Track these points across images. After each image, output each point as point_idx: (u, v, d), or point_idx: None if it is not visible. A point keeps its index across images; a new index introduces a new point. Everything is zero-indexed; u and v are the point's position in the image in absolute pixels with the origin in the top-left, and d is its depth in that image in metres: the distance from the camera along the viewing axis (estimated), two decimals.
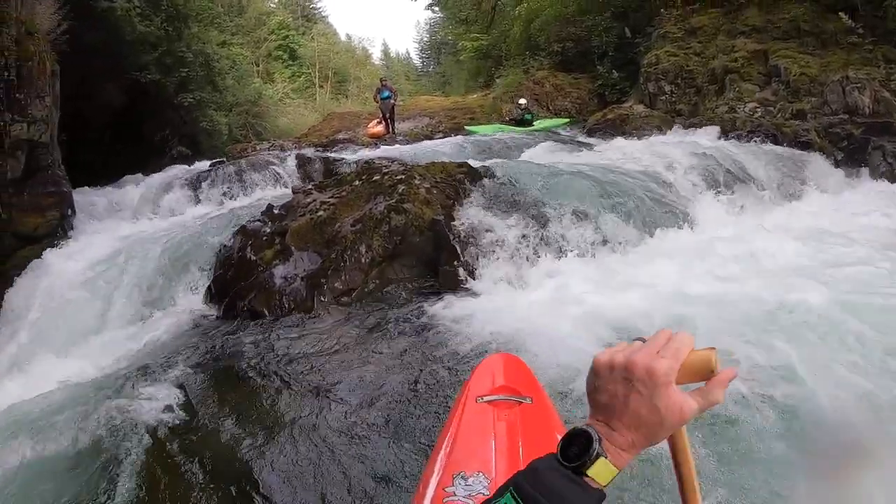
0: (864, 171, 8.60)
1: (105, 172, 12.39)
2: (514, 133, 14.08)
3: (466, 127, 16.46)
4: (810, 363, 3.27)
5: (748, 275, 4.79)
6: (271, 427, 3.37)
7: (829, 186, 8.11)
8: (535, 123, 15.27)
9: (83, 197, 9.58)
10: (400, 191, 5.75)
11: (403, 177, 6.05)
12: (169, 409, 3.67)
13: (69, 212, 8.46)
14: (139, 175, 11.69)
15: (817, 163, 8.62)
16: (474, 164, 7.02)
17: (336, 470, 2.96)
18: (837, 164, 8.78)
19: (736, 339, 3.63)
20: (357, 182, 6.27)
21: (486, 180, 6.48)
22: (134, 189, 10.50)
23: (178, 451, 3.22)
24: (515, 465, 1.73)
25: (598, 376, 0.78)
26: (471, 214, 5.72)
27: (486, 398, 2.16)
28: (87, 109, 12.62)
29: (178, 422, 3.52)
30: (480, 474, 1.73)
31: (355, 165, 8.86)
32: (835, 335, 3.57)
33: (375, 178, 6.19)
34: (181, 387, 3.92)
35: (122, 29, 13.83)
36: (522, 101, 16.18)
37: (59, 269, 6.82)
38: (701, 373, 0.77)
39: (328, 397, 3.58)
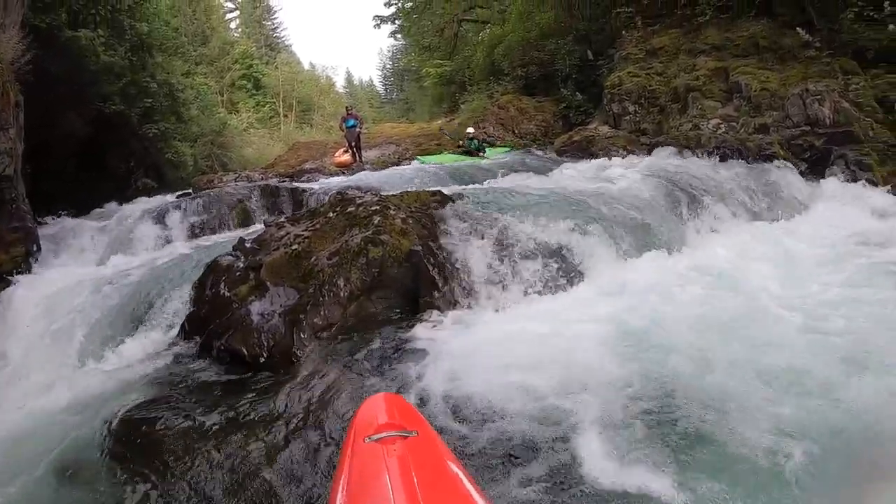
0: (828, 179, 8.87)
1: (69, 203, 12.18)
2: (463, 162, 14.19)
3: (417, 157, 16.39)
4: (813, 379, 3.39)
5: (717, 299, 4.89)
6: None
7: (795, 198, 8.29)
8: (481, 153, 15.41)
9: (48, 230, 9.37)
10: (376, 222, 5.68)
11: (378, 207, 5.99)
12: (129, 450, 3.67)
13: (34, 247, 8.22)
14: (105, 208, 11.50)
15: (782, 175, 8.82)
16: (447, 191, 7.01)
17: None
18: (802, 175, 9.02)
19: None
20: (331, 214, 6.19)
21: (460, 207, 6.48)
22: (100, 223, 10.29)
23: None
24: (413, 495, 1.86)
25: None
26: (447, 243, 5.68)
27: (373, 437, 2.26)
28: (50, 139, 12.36)
29: (138, 467, 3.48)
30: None
31: (326, 197, 8.77)
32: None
33: (350, 209, 6.12)
34: (146, 432, 3.83)
35: (87, 58, 13.66)
36: (470, 130, 16.42)
37: (24, 307, 6.64)
38: None
39: (298, 437, 3.55)
